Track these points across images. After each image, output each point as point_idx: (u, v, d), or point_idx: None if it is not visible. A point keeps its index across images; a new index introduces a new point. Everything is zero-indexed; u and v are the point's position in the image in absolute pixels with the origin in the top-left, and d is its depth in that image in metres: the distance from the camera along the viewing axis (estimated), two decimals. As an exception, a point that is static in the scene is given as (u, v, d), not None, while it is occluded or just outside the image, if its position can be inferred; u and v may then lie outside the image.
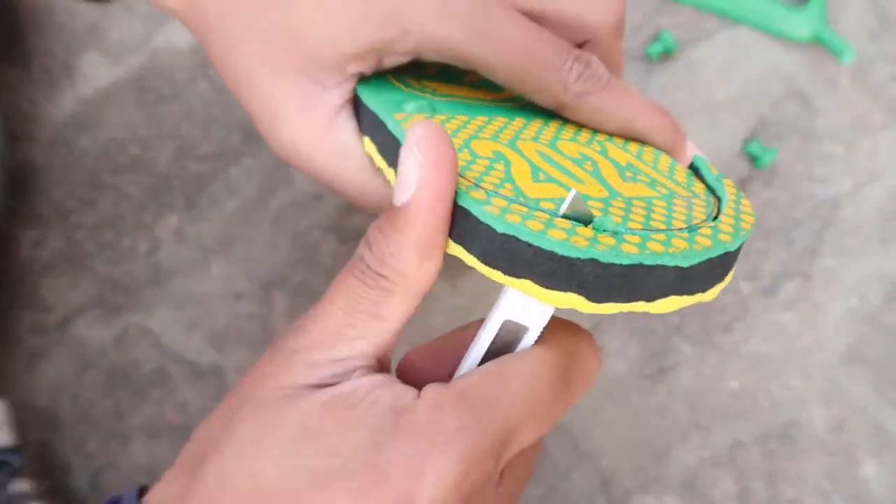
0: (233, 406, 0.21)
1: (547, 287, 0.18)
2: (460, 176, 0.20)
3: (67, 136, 0.43)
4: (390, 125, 0.23)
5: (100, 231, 0.42)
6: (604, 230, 0.19)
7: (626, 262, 0.18)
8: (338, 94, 0.26)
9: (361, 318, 0.20)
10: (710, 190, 0.24)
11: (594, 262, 0.18)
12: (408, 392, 0.20)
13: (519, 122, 0.26)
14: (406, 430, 0.18)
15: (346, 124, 0.26)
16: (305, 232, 0.41)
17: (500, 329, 0.21)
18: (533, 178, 0.21)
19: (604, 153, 0.24)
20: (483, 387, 0.19)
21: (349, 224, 0.42)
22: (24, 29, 0.44)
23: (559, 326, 0.22)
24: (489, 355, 0.21)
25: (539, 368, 0.20)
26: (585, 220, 0.19)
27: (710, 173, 0.25)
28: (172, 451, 0.39)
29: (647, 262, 0.18)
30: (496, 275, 0.19)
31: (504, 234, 0.18)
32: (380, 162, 0.25)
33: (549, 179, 0.21)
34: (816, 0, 0.44)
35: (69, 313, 0.41)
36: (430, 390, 0.20)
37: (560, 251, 0.18)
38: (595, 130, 0.26)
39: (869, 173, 0.43)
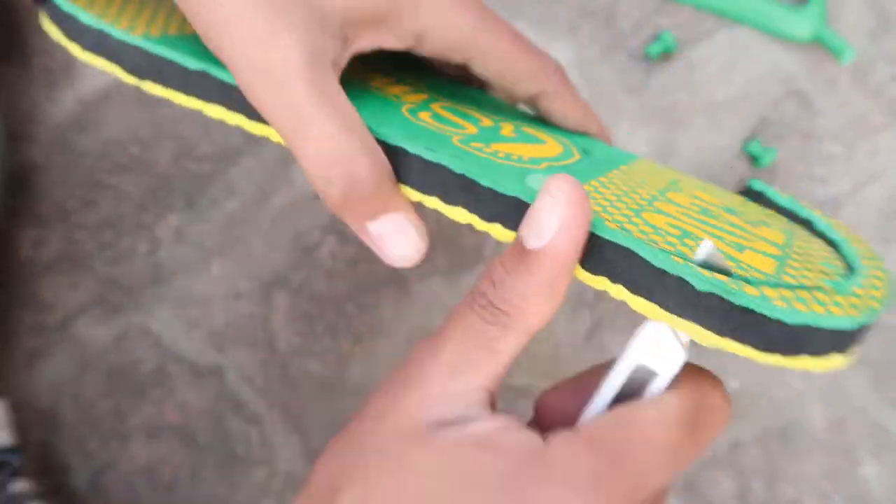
0: (353, 442, 0.21)
1: (823, 356, 0.19)
2: (710, 269, 0.19)
3: (67, 136, 0.43)
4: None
5: (100, 231, 0.42)
6: (844, 293, 0.20)
7: (875, 318, 0.20)
8: (336, 64, 0.23)
9: (477, 352, 0.21)
10: (784, 212, 0.26)
11: (866, 326, 0.19)
12: (535, 437, 0.20)
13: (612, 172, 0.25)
14: (542, 474, 0.19)
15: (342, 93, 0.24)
16: (305, 232, 0.42)
17: (631, 374, 0.21)
18: (736, 249, 0.21)
19: (698, 197, 0.25)
20: (615, 433, 0.19)
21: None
22: (24, 29, 0.44)
23: (691, 373, 0.22)
24: (618, 401, 0.21)
25: (670, 415, 0.20)
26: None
27: (781, 198, 0.26)
28: (172, 451, 0.39)
29: (875, 319, 0.20)
30: (774, 358, 0.19)
31: (797, 325, 0.18)
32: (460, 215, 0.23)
33: (741, 247, 0.21)
34: (816, 0, 0.44)
35: (69, 313, 0.41)
36: (561, 436, 0.20)
37: (849, 326, 0.19)
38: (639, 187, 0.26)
39: (869, 173, 0.43)
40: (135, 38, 0.26)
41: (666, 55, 0.44)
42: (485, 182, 0.22)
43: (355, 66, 0.29)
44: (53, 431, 0.39)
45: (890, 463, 0.39)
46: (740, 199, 0.26)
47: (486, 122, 0.27)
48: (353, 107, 0.23)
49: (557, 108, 0.28)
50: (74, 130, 0.43)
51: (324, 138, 0.22)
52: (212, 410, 0.39)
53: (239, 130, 0.42)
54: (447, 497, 0.19)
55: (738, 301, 0.18)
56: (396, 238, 0.24)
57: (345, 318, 0.40)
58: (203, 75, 0.25)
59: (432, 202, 0.23)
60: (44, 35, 0.44)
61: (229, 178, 0.42)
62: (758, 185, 0.26)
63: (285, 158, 0.42)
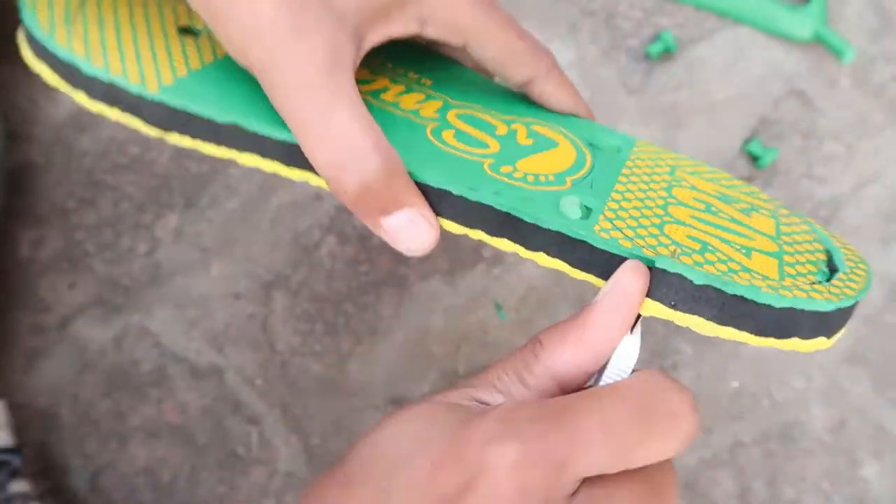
0: None
1: (810, 339, 0.22)
2: (729, 272, 0.22)
3: (67, 135, 0.43)
4: (584, 235, 0.23)
5: (100, 231, 0.42)
6: (838, 278, 0.23)
7: (852, 302, 0.22)
8: (354, 60, 0.25)
9: (509, 375, 0.23)
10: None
11: (844, 309, 0.22)
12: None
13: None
14: (489, 415, 0.22)
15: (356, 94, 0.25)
16: (305, 232, 0.41)
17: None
18: (745, 255, 0.24)
19: (695, 188, 0.27)
20: (563, 398, 0.22)
21: (349, 224, 0.42)
22: (23, 29, 0.44)
23: (644, 371, 0.23)
24: None
25: (617, 396, 0.22)
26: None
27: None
28: (172, 452, 0.39)
29: (861, 297, 0.23)
30: (769, 342, 0.22)
31: (783, 308, 0.21)
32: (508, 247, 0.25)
33: (748, 251, 0.23)
34: (817, 0, 0.44)
35: (69, 313, 0.41)
36: (519, 395, 0.23)
37: (828, 308, 0.21)
38: (648, 174, 0.27)
39: (869, 173, 0.43)
40: (152, 93, 0.25)
41: (666, 55, 0.44)
42: (527, 219, 0.24)
43: (364, 74, 0.30)
44: (53, 432, 0.39)
45: (890, 463, 0.39)
46: (725, 176, 0.28)
47: (501, 128, 0.28)
48: (364, 106, 0.24)
49: (551, 91, 0.29)
50: (74, 130, 0.43)
51: (339, 137, 0.24)
52: (212, 410, 0.39)
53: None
54: (423, 432, 0.22)
55: (730, 290, 0.21)
56: (409, 231, 0.25)
57: (345, 318, 0.40)
58: (235, 128, 0.25)
59: (476, 234, 0.25)
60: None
61: (229, 178, 0.42)
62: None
63: (285, 158, 0.42)
